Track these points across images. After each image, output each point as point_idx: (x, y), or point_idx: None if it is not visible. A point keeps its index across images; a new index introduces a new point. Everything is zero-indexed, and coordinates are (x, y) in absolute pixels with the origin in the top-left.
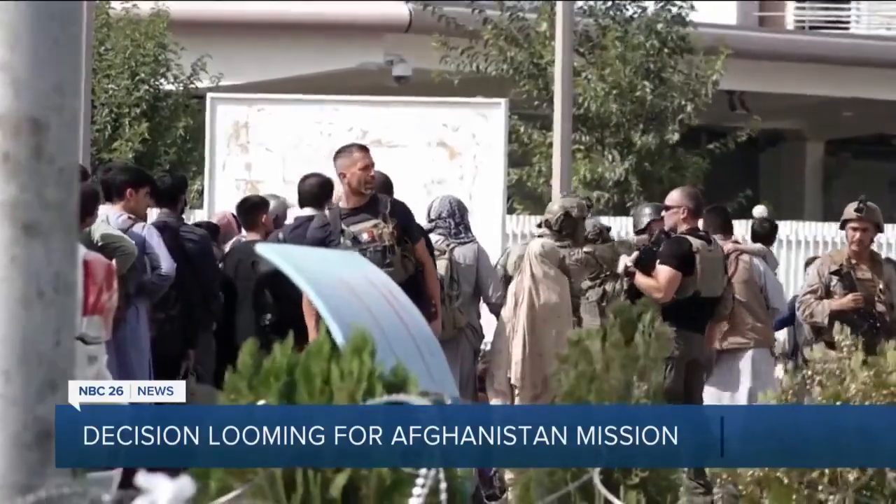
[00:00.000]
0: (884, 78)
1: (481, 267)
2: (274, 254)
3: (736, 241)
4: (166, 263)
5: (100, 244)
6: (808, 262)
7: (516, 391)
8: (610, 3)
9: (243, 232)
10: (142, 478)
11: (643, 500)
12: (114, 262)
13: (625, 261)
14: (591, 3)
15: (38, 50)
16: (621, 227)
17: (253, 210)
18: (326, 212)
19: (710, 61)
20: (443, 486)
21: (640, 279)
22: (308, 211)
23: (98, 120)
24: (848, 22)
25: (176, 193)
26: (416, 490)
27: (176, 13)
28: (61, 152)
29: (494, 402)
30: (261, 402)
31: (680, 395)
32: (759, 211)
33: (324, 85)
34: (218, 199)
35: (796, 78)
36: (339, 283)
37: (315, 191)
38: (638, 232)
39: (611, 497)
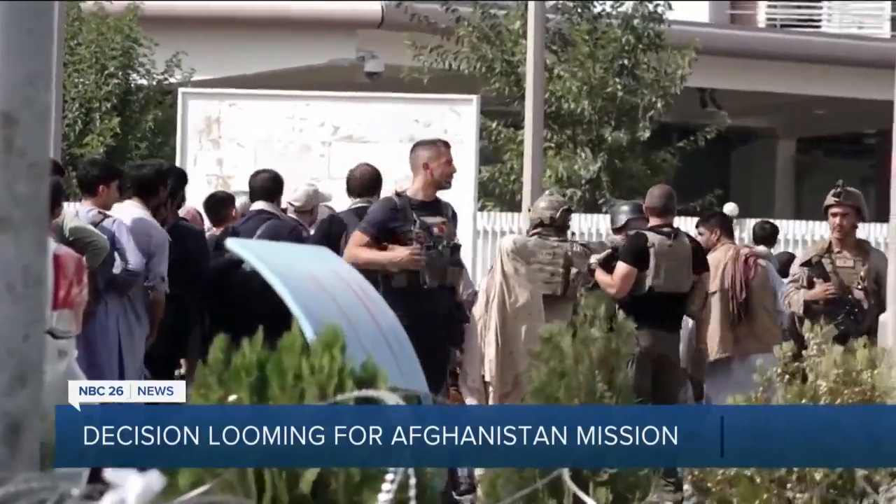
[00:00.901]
0: (855, 76)
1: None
2: (243, 248)
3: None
4: (134, 258)
5: (71, 238)
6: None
7: (490, 388)
8: (580, 0)
9: (210, 227)
10: (111, 472)
11: (611, 497)
12: (84, 257)
13: (593, 259)
14: (563, 0)
15: (9, 43)
16: (593, 224)
17: (220, 205)
18: (395, 198)
19: (679, 57)
20: (412, 481)
21: (599, 275)
22: (260, 205)
23: (69, 114)
24: (819, 20)
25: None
26: (386, 486)
27: (149, 9)
28: (32, 146)
29: (468, 399)
30: (232, 398)
31: (647, 392)
32: (730, 209)
33: (295, 80)
34: (189, 195)
35: (768, 76)
36: (307, 278)
37: (268, 185)
38: (616, 230)
39: (580, 493)
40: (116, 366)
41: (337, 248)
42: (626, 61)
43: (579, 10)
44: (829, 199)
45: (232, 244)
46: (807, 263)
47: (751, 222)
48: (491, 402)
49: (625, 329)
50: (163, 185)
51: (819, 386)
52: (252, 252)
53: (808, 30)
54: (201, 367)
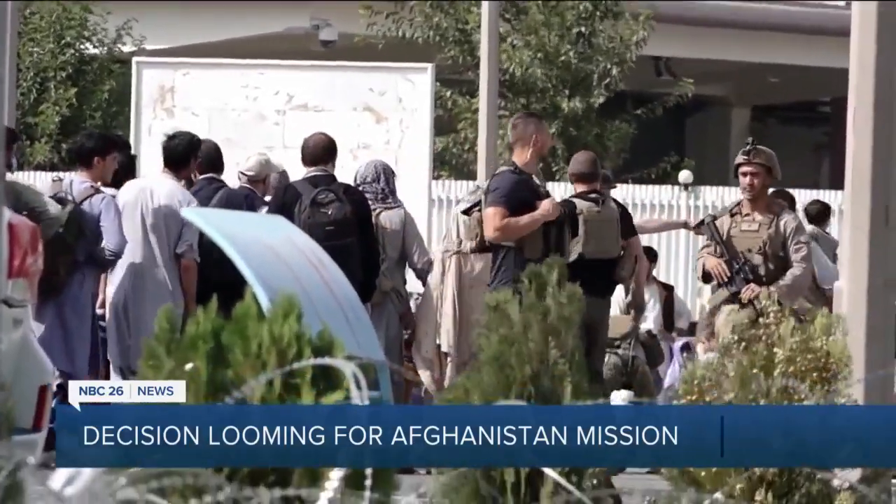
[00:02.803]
0: (809, 45)
1: (407, 233)
2: (198, 217)
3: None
4: (115, 240)
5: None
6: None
7: (448, 359)
8: None
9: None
10: None
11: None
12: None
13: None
14: None
15: None
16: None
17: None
18: (514, 170)
19: (633, 24)
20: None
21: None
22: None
23: (23, 83)
24: None
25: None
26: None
27: None
28: None
29: (421, 371)
30: (188, 366)
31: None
32: (685, 176)
33: (250, 49)
34: (144, 164)
35: (721, 44)
36: (262, 247)
37: (212, 154)
38: None
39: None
40: (87, 336)
41: (292, 217)
42: (582, 29)
43: None
44: (739, 158)
45: (188, 213)
46: (696, 227)
47: (706, 189)
48: (448, 372)
49: (575, 294)
50: (194, 157)
51: (776, 353)
52: (206, 220)
53: None
54: (147, 341)
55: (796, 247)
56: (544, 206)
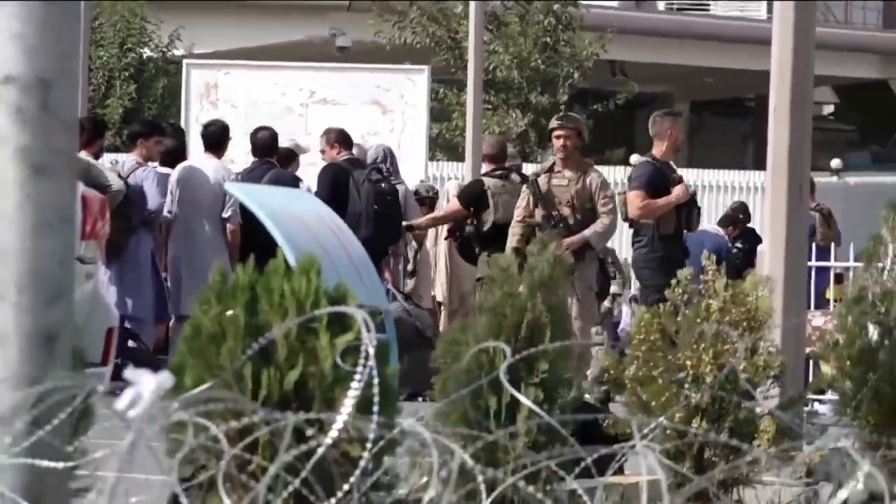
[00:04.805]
0: (738, 51)
1: (408, 205)
2: (238, 190)
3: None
4: (154, 202)
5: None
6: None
7: (442, 307)
8: None
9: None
10: (129, 372)
11: (542, 395)
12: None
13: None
14: None
15: (46, 22)
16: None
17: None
18: (653, 161)
19: (597, 38)
20: (375, 381)
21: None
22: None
23: (93, 81)
24: (708, 5)
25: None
26: (354, 384)
27: None
28: (64, 107)
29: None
30: (229, 312)
31: None
32: (635, 159)
33: (279, 53)
34: (192, 148)
35: (666, 50)
36: (292, 216)
37: (268, 142)
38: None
39: (514, 391)
40: (146, 286)
41: (344, 186)
42: (548, 39)
43: None
44: (553, 124)
45: (230, 187)
46: (526, 180)
47: None
48: (442, 318)
49: (564, 261)
50: (226, 140)
51: (711, 305)
52: (247, 194)
53: (699, 12)
54: (202, 289)
55: (603, 201)
56: (677, 190)
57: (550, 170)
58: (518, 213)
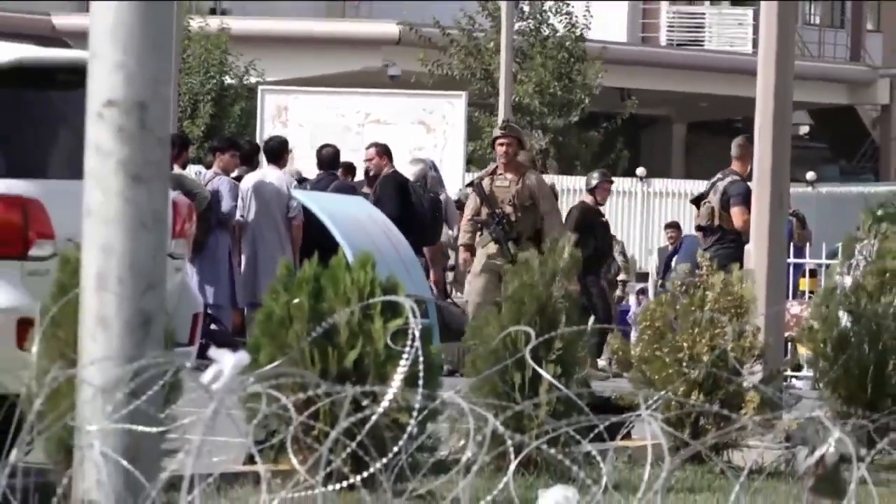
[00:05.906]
0: (729, 80)
1: (449, 210)
2: (306, 198)
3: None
4: (226, 205)
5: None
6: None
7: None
8: (533, 28)
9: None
10: (212, 351)
11: (559, 370)
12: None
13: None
14: (521, 25)
15: (143, 53)
16: None
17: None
18: (741, 178)
19: (596, 68)
20: (420, 359)
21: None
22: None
23: (181, 104)
24: (703, 40)
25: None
26: (402, 362)
27: (235, 28)
28: (158, 125)
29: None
30: (295, 301)
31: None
32: (640, 171)
33: (339, 81)
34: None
35: (667, 79)
36: (350, 219)
37: (332, 157)
38: (589, 190)
39: (538, 368)
40: (223, 280)
41: (406, 192)
42: (563, 70)
43: (534, 34)
44: (496, 132)
45: (297, 194)
46: (469, 185)
47: (656, 181)
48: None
49: (574, 254)
50: (286, 152)
51: (706, 295)
52: (313, 200)
53: (696, 47)
54: (272, 281)
55: (543, 201)
56: None
57: (493, 173)
58: (467, 213)
